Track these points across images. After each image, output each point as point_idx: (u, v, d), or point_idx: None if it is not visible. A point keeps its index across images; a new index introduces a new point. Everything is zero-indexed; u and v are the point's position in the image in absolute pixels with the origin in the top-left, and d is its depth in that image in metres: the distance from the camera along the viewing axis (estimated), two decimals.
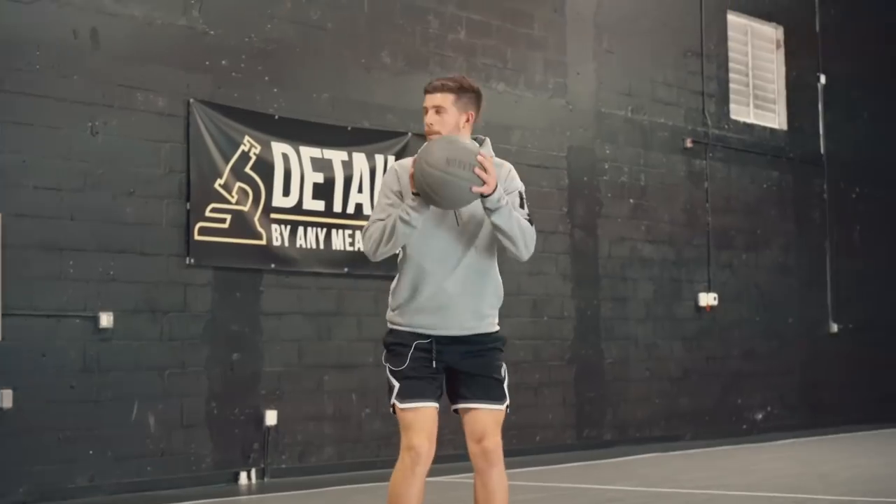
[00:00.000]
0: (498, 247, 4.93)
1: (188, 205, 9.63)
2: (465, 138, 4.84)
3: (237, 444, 9.78)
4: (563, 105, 12.82)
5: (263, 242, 10.12)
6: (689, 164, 14.29)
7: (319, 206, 10.57)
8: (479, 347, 4.93)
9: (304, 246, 10.41)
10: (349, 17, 10.92)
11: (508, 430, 11.42)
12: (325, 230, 10.58)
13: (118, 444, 9.01)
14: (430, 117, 4.87)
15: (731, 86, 14.97)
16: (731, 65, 14.97)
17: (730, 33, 15.02)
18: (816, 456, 12.19)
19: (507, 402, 4.96)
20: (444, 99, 4.84)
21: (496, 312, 5.01)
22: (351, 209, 10.78)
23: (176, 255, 9.55)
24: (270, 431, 9.95)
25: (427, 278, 4.87)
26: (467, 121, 4.87)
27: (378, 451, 10.74)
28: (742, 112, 15.15)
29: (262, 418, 9.92)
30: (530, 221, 4.87)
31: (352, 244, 10.75)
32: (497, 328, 5.00)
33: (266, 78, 10.26)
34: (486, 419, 4.89)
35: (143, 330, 9.27)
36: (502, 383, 4.95)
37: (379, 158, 11.01)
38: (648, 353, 13.55)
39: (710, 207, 14.46)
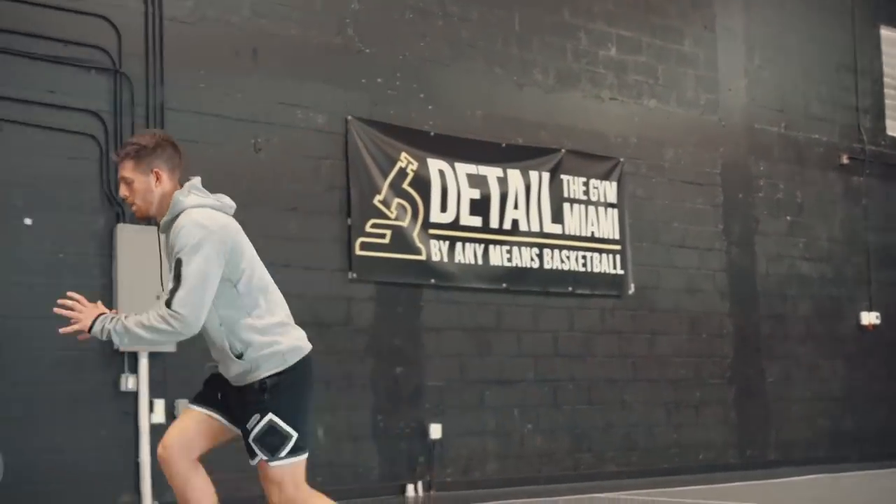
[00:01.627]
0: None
1: (349, 220, 9.70)
2: None
3: (403, 457, 9.76)
4: (716, 121, 12.66)
5: (423, 258, 10.15)
6: (846, 180, 13.96)
7: (476, 221, 10.57)
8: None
9: (462, 261, 10.41)
10: (500, 34, 10.96)
11: (670, 447, 11.33)
12: (482, 246, 10.57)
13: None
14: (122, 190, 4.53)
15: (887, 101, 14.61)
16: (885, 80, 14.63)
17: (883, 48, 14.69)
18: None
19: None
20: (125, 168, 4.49)
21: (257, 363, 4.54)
22: (507, 225, 10.77)
23: (339, 269, 9.61)
24: (435, 445, 9.91)
25: None
26: (157, 179, 4.47)
27: (540, 467, 10.62)
28: None
29: (426, 432, 9.88)
30: (178, 285, 4.30)
31: (509, 260, 10.72)
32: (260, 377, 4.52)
33: (421, 95, 10.34)
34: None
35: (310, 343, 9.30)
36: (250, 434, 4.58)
37: (533, 175, 10.99)
38: (810, 373, 13.19)
39: (868, 225, 14.09)
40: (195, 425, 4.59)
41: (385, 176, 10.01)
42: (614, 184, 11.65)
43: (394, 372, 9.81)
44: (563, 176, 11.22)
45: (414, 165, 10.20)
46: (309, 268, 9.44)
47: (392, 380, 9.79)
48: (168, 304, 4.27)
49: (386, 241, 9.94)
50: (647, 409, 11.54)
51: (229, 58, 9.25)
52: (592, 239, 11.40)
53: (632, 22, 11.99)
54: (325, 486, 9.10)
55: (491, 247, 10.64)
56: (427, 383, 10.00)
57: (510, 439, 10.50)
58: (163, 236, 4.55)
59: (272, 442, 4.45)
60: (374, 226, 9.88)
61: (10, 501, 4.60)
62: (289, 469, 4.49)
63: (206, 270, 4.29)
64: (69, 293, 4.38)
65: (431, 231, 10.24)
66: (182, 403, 8.49)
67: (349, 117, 9.83)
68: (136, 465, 8.26)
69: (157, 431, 8.35)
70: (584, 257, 11.30)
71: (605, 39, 11.78)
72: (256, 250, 8.96)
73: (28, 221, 8.07)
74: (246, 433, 4.49)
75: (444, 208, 10.36)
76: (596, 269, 11.37)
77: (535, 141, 11.07)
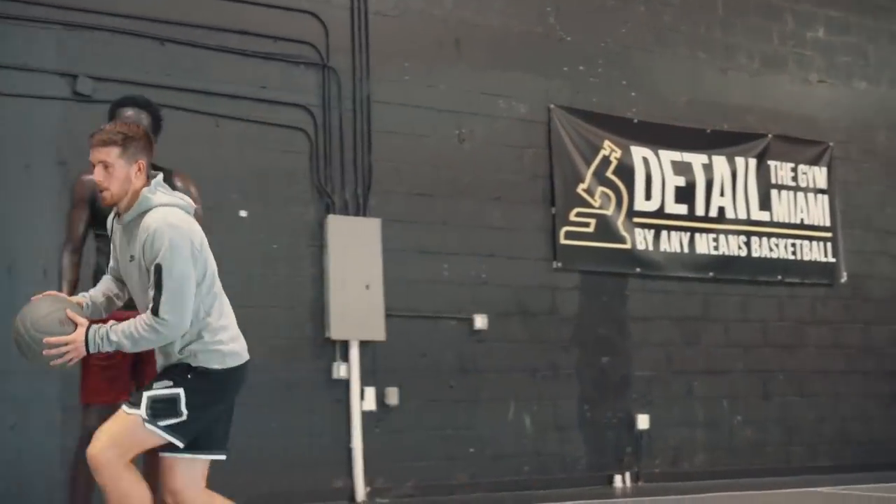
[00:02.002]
0: None
1: (553, 209, 9.66)
2: (58, 304, 4.39)
3: (610, 448, 9.66)
4: None
5: (628, 246, 10.03)
6: None
7: (682, 209, 10.39)
8: None
9: (667, 250, 10.25)
10: (703, 18, 10.76)
11: (886, 441, 10.84)
12: (688, 234, 10.38)
13: (496, 443, 9.07)
14: (98, 174, 4.40)
15: None
16: None
17: None
18: None
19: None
20: (109, 153, 4.37)
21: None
22: (714, 212, 10.55)
23: (543, 259, 9.58)
24: (643, 436, 9.78)
25: None
26: (139, 170, 4.38)
27: (750, 459, 10.37)
28: None
29: (633, 422, 9.77)
30: (160, 292, 4.24)
31: (716, 248, 10.50)
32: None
33: (623, 82, 10.23)
34: None
35: (515, 332, 9.33)
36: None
37: (739, 161, 10.75)
38: None
39: None
40: None
41: (588, 164, 9.92)
42: (824, 169, 11.30)
43: (600, 362, 9.72)
44: (770, 161, 10.94)
45: (617, 153, 10.09)
46: (513, 257, 9.44)
47: (598, 370, 9.70)
48: (154, 311, 4.25)
49: (590, 229, 9.85)
50: (862, 402, 11.15)
51: (433, 49, 9.32)
52: (802, 226, 11.08)
53: (840, 2, 11.61)
54: (532, 475, 9.16)
55: (697, 235, 10.44)
56: (634, 373, 9.88)
57: (719, 430, 10.28)
58: (118, 227, 4.49)
59: (161, 408, 4.31)
60: (578, 214, 9.81)
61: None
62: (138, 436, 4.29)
63: (185, 273, 4.27)
64: (45, 339, 4.26)
65: (636, 219, 10.11)
66: (391, 391, 8.61)
67: (552, 106, 9.79)
68: (349, 451, 8.39)
69: (369, 418, 8.50)
70: (793, 245, 10.98)
71: (813, 20, 11.43)
72: (463, 239, 9.08)
73: (243, 213, 8.29)
74: (146, 387, 4.39)
75: (648, 196, 10.22)
76: (806, 258, 11.04)
77: (741, 126, 10.82)
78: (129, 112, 5.47)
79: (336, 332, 8.40)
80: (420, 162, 9.14)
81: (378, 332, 8.58)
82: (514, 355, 9.29)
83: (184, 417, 4.29)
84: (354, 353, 8.48)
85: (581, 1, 10.10)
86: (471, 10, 9.54)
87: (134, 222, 4.38)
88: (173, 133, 7.91)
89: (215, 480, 4.52)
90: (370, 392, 8.53)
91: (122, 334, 4.29)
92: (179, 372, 4.36)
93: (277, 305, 8.30)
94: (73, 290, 5.48)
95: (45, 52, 7.68)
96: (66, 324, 4.32)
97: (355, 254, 8.56)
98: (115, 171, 4.39)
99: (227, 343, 4.41)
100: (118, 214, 4.50)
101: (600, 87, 10.10)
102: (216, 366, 4.38)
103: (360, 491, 8.36)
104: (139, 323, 4.29)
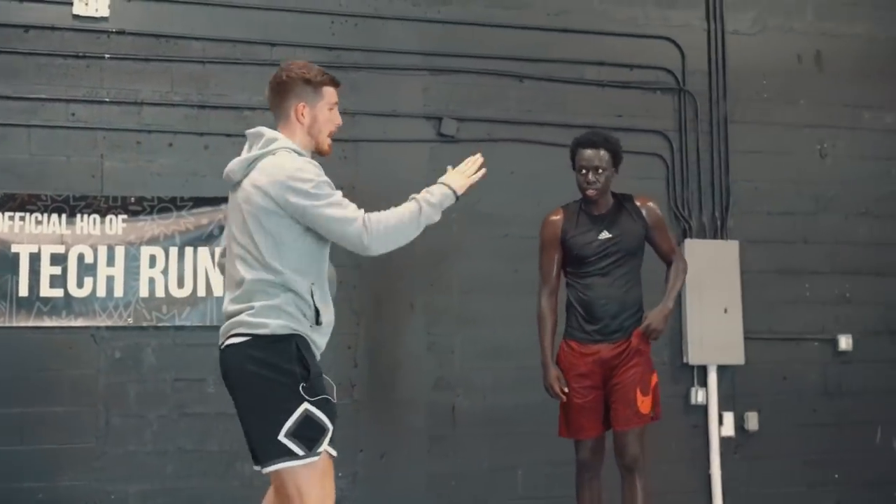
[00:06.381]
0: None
1: None
2: None
3: None
4: None
5: None
6: None
7: None
8: None
9: None
10: None
11: None
12: None
13: (862, 468, 8.86)
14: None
15: None
16: None
17: None
18: None
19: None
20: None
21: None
22: None
23: None
24: None
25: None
26: (301, 114, 4.70)
27: None
28: None
29: None
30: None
31: None
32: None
33: None
34: None
35: (883, 352, 9.05)
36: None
37: None
38: None
39: None
40: None
41: None
42: None
43: None
44: None
45: None
46: (880, 273, 9.15)
47: None
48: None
49: None
50: None
51: (792, 64, 9.14)
52: None
53: None
54: None
55: None
56: None
57: None
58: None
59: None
60: None
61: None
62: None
63: None
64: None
65: None
66: (751, 416, 8.58)
67: None
68: (708, 478, 8.45)
69: (727, 444, 8.52)
70: None
71: None
72: (826, 257, 8.86)
73: None
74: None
75: None
76: None
77: None
78: (589, 152, 6.25)
79: (694, 357, 8.46)
80: (780, 180, 9.02)
81: (737, 356, 8.57)
82: (882, 376, 9.02)
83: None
84: (713, 377, 8.51)
85: None
86: (833, 20, 9.28)
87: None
88: (532, 167, 8.29)
89: None
90: (728, 417, 8.55)
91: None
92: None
93: None
94: (553, 335, 6.17)
95: (413, 97, 8.14)
96: None
97: (713, 277, 8.57)
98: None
99: None
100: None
101: None
102: None
103: None
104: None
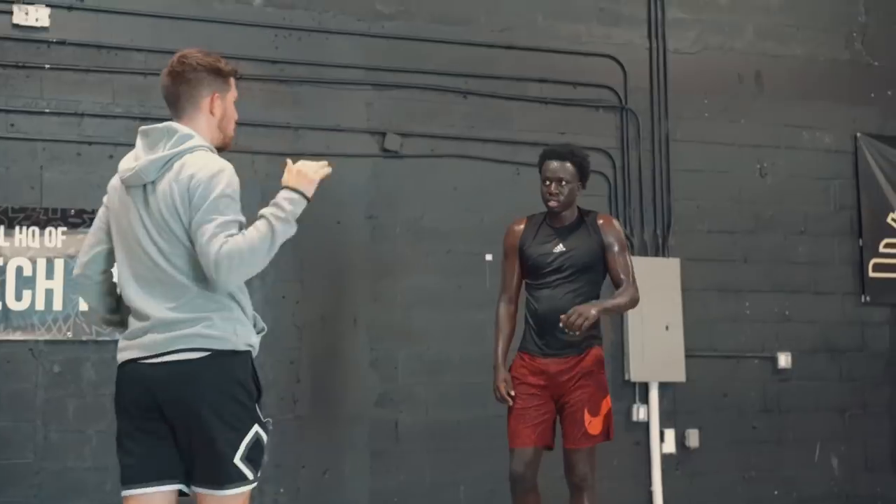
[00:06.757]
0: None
1: (860, 241, 9.40)
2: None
3: None
4: None
5: None
6: None
7: None
8: None
9: None
10: None
11: None
12: None
13: (802, 485, 8.93)
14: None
15: None
16: None
17: None
18: None
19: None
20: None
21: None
22: None
23: (851, 293, 9.34)
24: None
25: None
26: (214, 106, 4.36)
27: None
28: None
29: None
30: None
31: None
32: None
33: None
34: None
35: (822, 370, 9.15)
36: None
37: None
38: None
39: None
40: None
41: None
42: None
43: None
44: None
45: None
46: (819, 292, 9.25)
47: None
48: None
49: None
50: None
51: (732, 84, 9.24)
52: None
53: None
54: None
55: None
56: None
57: None
58: None
59: None
60: (887, 245, 9.50)
61: None
62: None
63: None
64: None
65: None
66: (692, 433, 8.62)
67: (858, 134, 9.51)
68: (649, 494, 8.47)
69: (669, 461, 8.55)
70: None
71: None
72: (765, 276, 8.94)
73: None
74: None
75: None
76: None
77: None
78: (555, 164, 6.24)
79: (636, 374, 8.50)
80: (721, 198, 9.09)
81: (678, 373, 8.61)
82: (821, 394, 9.12)
83: None
84: (654, 394, 8.55)
85: (890, 24, 9.76)
86: (773, 41, 9.39)
87: None
88: (476, 183, 8.30)
89: None
90: (670, 434, 8.58)
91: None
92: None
93: None
94: (509, 342, 6.15)
95: (357, 112, 8.12)
96: None
97: (655, 295, 8.57)
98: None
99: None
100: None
101: None
102: None
103: None
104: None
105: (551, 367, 6.14)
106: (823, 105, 9.46)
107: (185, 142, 4.20)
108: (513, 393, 6.15)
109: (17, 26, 7.31)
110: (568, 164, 6.25)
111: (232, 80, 4.43)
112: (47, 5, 7.37)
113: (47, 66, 7.32)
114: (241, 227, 4.11)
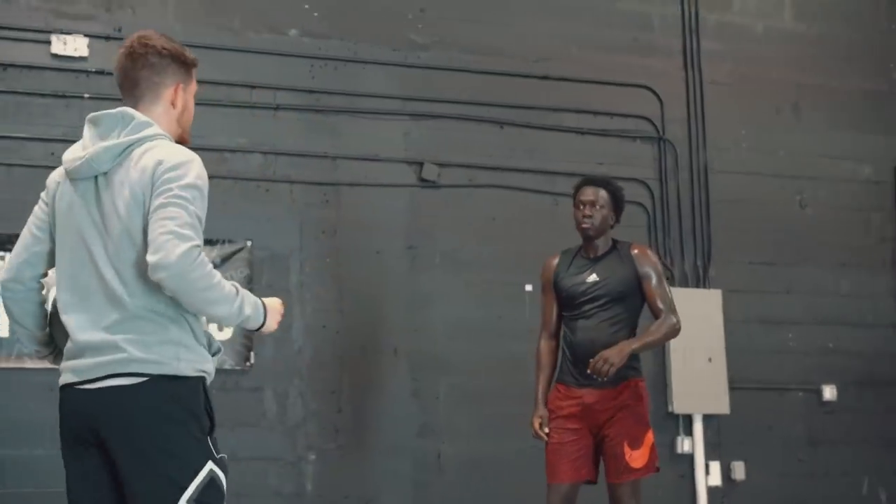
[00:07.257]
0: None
1: None
2: None
3: None
4: None
5: None
6: None
7: None
8: None
9: None
10: None
11: None
12: None
13: None
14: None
15: None
16: None
17: None
18: None
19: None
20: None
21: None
22: None
23: (893, 325, 9.21)
24: None
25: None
26: (177, 97, 3.81)
27: None
28: None
29: None
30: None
31: None
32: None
33: None
34: None
35: (867, 402, 8.99)
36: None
37: None
38: None
39: None
40: None
41: None
42: None
43: None
44: None
45: None
46: (861, 324, 9.12)
47: None
48: None
49: None
50: None
51: (770, 115, 9.18)
52: None
53: None
54: None
55: None
56: None
57: None
58: None
59: None
60: None
61: None
62: None
63: None
64: None
65: None
66: (738, 466, 8.46)
67: None
68: None
69: (714, 494, 8.39)
70: None
71: None
72: (807, 308, 8.83)
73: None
74: None
75: None
76: None
77: None
78: (589, 189, 6.23)
79: (679, 406, 8.36)
80: (761, 230, 9.00)
81: (722, 406, 8.47)
82: (867, 426, 8.95)
83: None
84: (698, 426, 8.40)
85: None
86: (810, 72, 9.34)
87: None
88: (514, 213, 8.23)
89: None
90: (715, 467, 8.43)
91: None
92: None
93: None
94: (550, 378, 6.06)
95: (394, 142, 8.08)
96: None
97: (696, 326, 8.46)
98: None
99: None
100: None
101: None
102: None
103: None
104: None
105: (587, 397, 6.04)
106: (862, 136, 9.39)
107: (144, 129, 3.68)
108: (547, 430, 6.07)
109: (55, 56, 7.31)
110: (602, 191, 6.24)
111: (194, 72, 3.90)
112: (85, 35, 7.38)
113: (86, 95, 7.31)
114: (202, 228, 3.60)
